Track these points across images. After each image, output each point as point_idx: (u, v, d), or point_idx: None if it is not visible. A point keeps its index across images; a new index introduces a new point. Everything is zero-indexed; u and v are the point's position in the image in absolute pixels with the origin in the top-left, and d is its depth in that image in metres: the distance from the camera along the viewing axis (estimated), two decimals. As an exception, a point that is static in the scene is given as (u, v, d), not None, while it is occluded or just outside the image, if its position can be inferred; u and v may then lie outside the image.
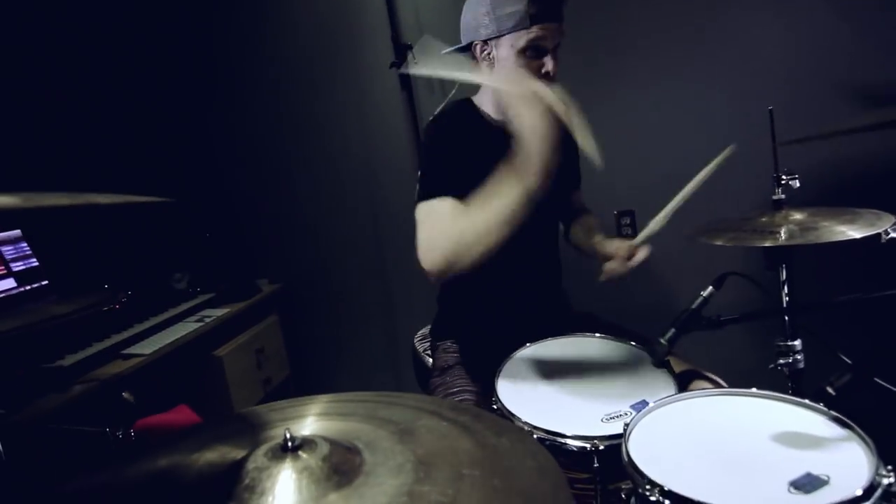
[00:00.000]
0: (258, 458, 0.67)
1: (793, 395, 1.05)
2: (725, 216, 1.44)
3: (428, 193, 1.30)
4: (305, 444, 0.69)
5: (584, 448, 1.04)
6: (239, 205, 2.75)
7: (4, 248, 1.96)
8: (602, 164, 1.10)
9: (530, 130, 1.08)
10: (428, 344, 1.77)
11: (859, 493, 0.77)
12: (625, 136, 2.10)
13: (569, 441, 1.06)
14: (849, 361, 0.95)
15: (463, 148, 1.38)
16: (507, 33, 1.35)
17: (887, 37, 1.69)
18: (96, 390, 1.56)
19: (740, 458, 0.90)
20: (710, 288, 1.21)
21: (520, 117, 1.10)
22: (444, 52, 1.50)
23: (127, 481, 0.71)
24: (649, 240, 1.38)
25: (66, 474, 0.72)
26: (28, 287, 1.96)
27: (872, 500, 0.77)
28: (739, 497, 0.81)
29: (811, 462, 0.85)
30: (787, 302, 1.33)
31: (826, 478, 0.82)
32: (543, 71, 1.37)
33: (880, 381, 1.27)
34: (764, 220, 1.34)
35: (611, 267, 1.42)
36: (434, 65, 1.51)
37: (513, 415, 1.13)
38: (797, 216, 1.33)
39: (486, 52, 1.40)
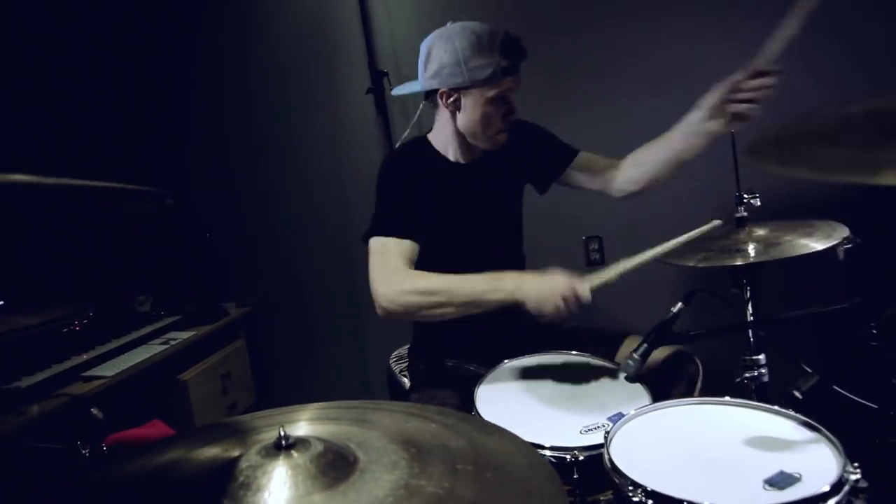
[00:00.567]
0: (252, 456, 0.67)
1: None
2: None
3: (382, 230, 1.37)
4: (299, 442, 0.68)
5: (564, 459, 1.05)
6: (207, 226, 2.71)
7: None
8: None
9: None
10: (405, 365, 1.77)
11: (827, 488, 0.81)
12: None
13: (548, 452, 1.07)
14: (810, 371, 1.01)
15: (417, 186, 1.43)
16: (480, 86, 1.37)
17: (832, 70, 1.82)
18: (60, 409, 1.49)
19: (718, 461, 0.94)
20: (680, 304, 1.25)
21: (541, 309, 1.25)
22: (397, 92, 1.50)
23: (123, 479, 0.69)
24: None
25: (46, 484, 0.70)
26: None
27: (841, 494, 0.82)
28: (719, 495, 0.84)
29: (784, 462, 0.90)
30: (751, 317, 1.39)
31: (798, 475, 0.86)
32: (510, 117, 1.43)
33: (838, 389, 1.35)
34: (729, 239, 1.41)
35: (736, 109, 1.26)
36: None
37: (492, 427, 1.14)
38: (760, 232, 1.41)
39: (451, 100, 1.41)
